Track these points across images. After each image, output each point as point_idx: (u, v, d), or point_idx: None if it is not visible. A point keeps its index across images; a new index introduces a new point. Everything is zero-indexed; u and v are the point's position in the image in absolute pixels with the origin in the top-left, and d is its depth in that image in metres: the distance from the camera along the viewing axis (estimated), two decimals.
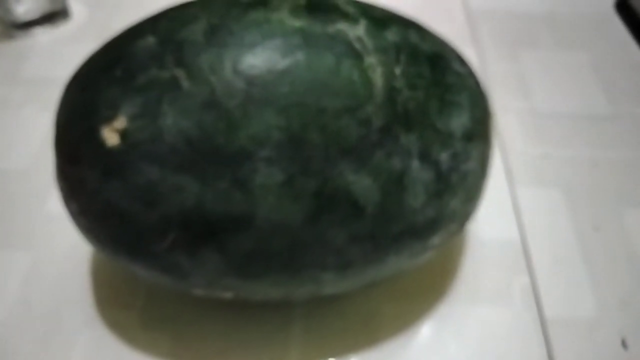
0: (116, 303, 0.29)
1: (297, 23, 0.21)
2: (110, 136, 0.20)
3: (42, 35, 0.45)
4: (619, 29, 0.46)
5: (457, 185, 0.22)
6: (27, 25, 0.45)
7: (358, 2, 0.23)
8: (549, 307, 0.29)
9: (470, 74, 0.24)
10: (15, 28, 0.45)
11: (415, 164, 0.21)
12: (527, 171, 0.36)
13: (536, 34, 0.46)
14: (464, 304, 0.29)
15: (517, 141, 0.38)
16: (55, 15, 0.46)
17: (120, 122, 0.20)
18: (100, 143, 0.20)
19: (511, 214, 0.33)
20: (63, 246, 0.32)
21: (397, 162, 0.20)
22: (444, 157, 0.21)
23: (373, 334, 0.28)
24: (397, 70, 0.21)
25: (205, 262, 0.21)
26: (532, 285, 0.30)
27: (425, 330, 0.28)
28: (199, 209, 0.20)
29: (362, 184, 0.20)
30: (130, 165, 0.20)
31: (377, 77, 0.20)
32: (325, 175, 0.20)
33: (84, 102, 0.21)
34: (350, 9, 0.22)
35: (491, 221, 0.33)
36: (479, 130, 0.23)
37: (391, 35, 0.21)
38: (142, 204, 0.20)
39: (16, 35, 0.45)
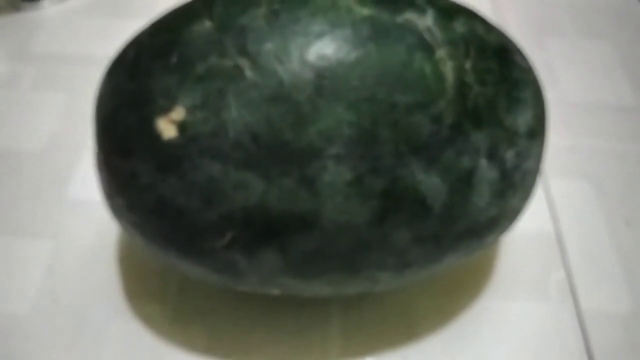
0: (147, 295, 0.28)
1: (365, 11, 0.19)
2: (167, 128, 0.18)
3: (51, 7, 0.43)
4: None
5: (519, 184, 0.22)
6: None
7: None
8: (585, 301, 0.29)
9: (530, 69, 0.23)
10: (23, 0, 0.42)
11: (483, 162, 0.20)
12: (557, 163, 0.35)
13: (560, 21, 0.45)
14: (501, 299, 0.29)
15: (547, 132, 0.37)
16: None
17: (178, 114, 0.18)
18: (155, 135, 0.19)
19: (544, 207, 0.33)
20: (87, 234, 0.30)
21: (466, 160, 0.20)
22: (509, 155, 0.21)
23: (411, 329, 0.28)
24: (467, 65, 0.20)
25: (262, 262, 0.20)
26: (568, 280, 0.30)
27: (463, 326, 0.28)
28: (263, 207, 0.19)
29: (431, 183, 0.19)
30: (188, 159, 0.18)
31: (448, 72, 0.19)
32: (394, 174, 0.19)
33: (135, 90, 0.19)
34: None
35: (526, 213, 0.33)
36: (540, 126, 0.22)
37: (459, 26, 0.20)
38: (201, 201, 0.19)
39: (23, 8, 0.42)
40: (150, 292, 0.28)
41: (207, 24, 0.19)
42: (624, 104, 0.39)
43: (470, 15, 0.22)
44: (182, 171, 0.19)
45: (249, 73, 0.18)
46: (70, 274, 0.29)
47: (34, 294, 0.28)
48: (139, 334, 0.27)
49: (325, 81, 0.18)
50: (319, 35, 0.19)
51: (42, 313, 0.27)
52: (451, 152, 0.19)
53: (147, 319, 0.27)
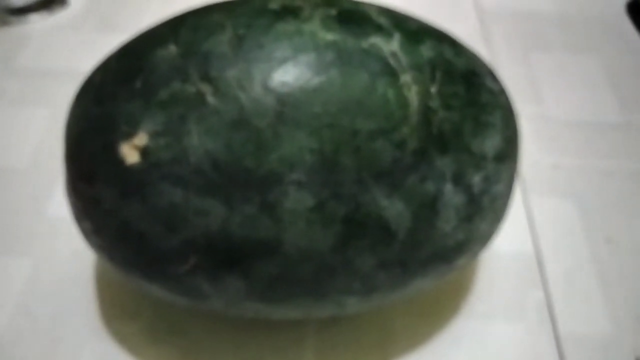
0: (122, 314, 0.28)
1: (330, 36, 0.19)
2: (130, 153, 0.19)
3: (38, 22, 0.43)
4: (631, 31, 0.46)
5: (487, 208, 0.22)
6: (22, 11, 0.43)
7: (389, 11, 0.22)
8: (563, 322, 0.29)
9: (502, 91, 0.23)
10: (10, 14, 0.42)
11: (448, 187, 0.20)
12: (539, 181, 0.35)
13: (547, 35, 0.45)
14: (478, 319, 0.29)
15: (529, 149, 0.37)
16: (52, 1, 0.43)
17: (141, 139, 0.19)
18: (118, 160, 0.19)
19: (525, 225, 0.33)
20: (65, 252, 0.30)
21: (430, 186, 0.20)
22: (476, 179, 0.21)
23: (386, 350, 0.27)
24: (433, 89, 0.20)
25: (227, 287, 0.20)
26: (547, 300, 0.30)
27: (439, 347, 0.28)
28: (224, 233, 0.19)
29: (394, 209, 0.19)
30: (150, 185, 0.18)
31: (413, 97, 0.19)
32: (356, 200, 0.19)
33: (99, 115, 0.19)
34: (383, 20, 0.21)
35: (505, 232, 0.32)
36: (509, 150, 0.22)
37: (426, 50, 0.20)
38: (163, 227, 0.19)
39: (10, 22, 0.43)
40: (126, 312, 0.28)
41: (172, 49, 0.19)
42: (610, 120, 0.39)
43: (439, 38, 0.22)
44: (145, 196, 0.19)
45: (210, 99, 0.18)
46: (46, 292, 0.29)
47: (9, 312, 0.28)
48: (114, 354, 0.27)
49: (287, 107, 0.18)
50: (282, 61, 0.19)
51: (18, 331, 0.27)
52: (415, 178, 0.19)
53: (123, 339, 0.27)
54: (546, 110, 0.39)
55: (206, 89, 0.18)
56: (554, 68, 0.43)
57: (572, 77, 0.42)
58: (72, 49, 0.42)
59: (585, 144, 0.37)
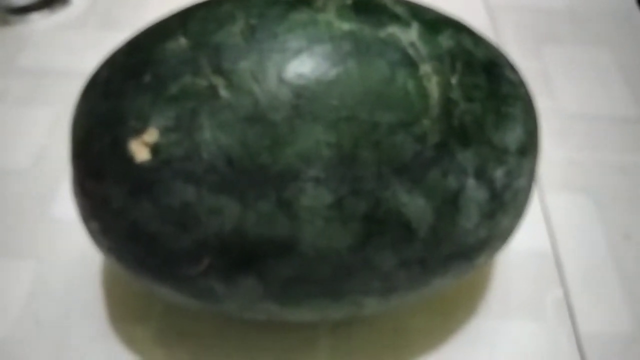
0: (130, 316, 0.27)
1: (346, 26, 0.19)
2: (140, 150, 0.18)
3: (40, 21, 0.43)
4: None
5: (509, 204, 0.21)
6: (24, 10, 0.42)
7: (406, 1, 0.21)
8: (583, 321, 0.28)
9: (521, 83, 0.22)
10: (11, 13, 0.42)
11: (470, 182, 0.19)
12: (554, 177, 0.34)
13: (558, 29, 0.44)
14: (495, 319, 0.28)
15: (543, 144, 0.36)
16: (53, 0, 0.43)
17: (151, 135, 0.18)
18: (127, 158, 0.18)
19: (541, 222, 0.32)
20: (71, 253, 0.30)
21: (452, 181, 0.19)
22: (499, 174, 0.20)
23: (402, 351, 0.27)
24: (453, 80, 0.19)
25: (241, 288, 0.19)
26: (566, 299, 0.29)
27: (456, 347, 0.27)
28: (239, 233, 0.18)
29: (415, 205, 0.18)
30: (161, 183, 0.18)
31: (433, 88, 0.19)
32: (376, 197, 0.18)
33: (107, 111, 0.19)
34: (400, 10, 0.20)
35: (521, 230, 0.32)
36: (531, 143, 0.21)
37: (445, 40, 0.20)
38: (175, 227, 0.18)
39: (12, 21, 0.42)
40: (134, 314, 0.27)
41: (182, 42, 0.19)
42: (624, 114, 0.38)
43: (458, 28, 0.21)
44: (155, 195, 0.18)
45: (223, 92, 0.18)
46: (52, 295, 0.28)
47: (16, 315, 0.27)
48: (122, 356, 0.26)
49: (303, 100, 0.17)
50: (297, 52, 0.18)
51: (25, 334, 0.27)
52: (436, 173, 0.18)
53: (131, 341, 0.27)
54: (559, 104, 0.39)
55: (218, 81, 0.18)
56: (565, 62, 0.42)
57: (584, 71, 0.41)
58: (74, 48, 0.41)
59: (600, 139, 0.36)
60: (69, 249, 0.30)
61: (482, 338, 0.27)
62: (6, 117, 0.36)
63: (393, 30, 0.19)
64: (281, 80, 0.18)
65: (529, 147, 0.21)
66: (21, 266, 0.29)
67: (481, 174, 0.19)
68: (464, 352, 0.27)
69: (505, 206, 0.21)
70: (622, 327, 0.28)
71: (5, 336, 0.26)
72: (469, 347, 0.27)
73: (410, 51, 0.19)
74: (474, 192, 0.19)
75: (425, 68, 0.19)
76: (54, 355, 0.26)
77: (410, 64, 0.19)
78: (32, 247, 0.30)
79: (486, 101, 0.19)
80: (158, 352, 0.26)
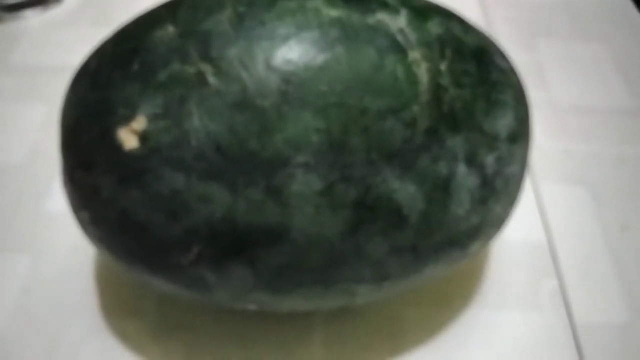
0: (125, 310, 0.27)
1: (334, 12, 0.19)
2: (128, 139, 0.18)
3: (33, 19, 0.43)
4: (636, 17, 0.45)
5: (501, 191, 0.21)
6: (17, 7, 0.42)
7: None
8: (579, 311, 0.28)
9: (512, 70, 0.22)
10: (4, 11, 0.42)
11: (461, 169, 0.19)
12: (549, 168, 0.34)
13: (551, 22, 0.44)
14: (491, 309, 0.28)
15: (537, 136, 0.36)
16: None
17: (140, 123, 0.18)
18: (116, 146, 0.18)
19: (536, 213, 0.32)
20: (65, 247, 0.30)
21: (443, 167, 0.19)
22: (490, 160, 0.20)
23: (397, 341, 0.27)
24: (443, 67, 0.19)
25: (232, 277, 0.19)
26: (561, 289, 0.29)
27: (451, 337, 0.27)
28: (229, 220, 0.18)
29: (406, 191, 0.18)
30: (151, 171, 0.18)
31: (423, 74, 0.19)
32: (367, 183, 0.18)
33: (96, 100, 0.18)
34: None
35: (516, 221, 0.32)
36: (522, 130, 0.21)
37: (434, 27, 0.20)
38: (165, 215, 0.18)
39: (5, 19, 0.42)
40: (128, 308, 0.27)
41: (171, 30, 0.19)
42: (619, 106, 0.38)
43: (447, 16, 0.21)
44: (145, 183, 0.18)
45: (212, 80, 0.18)
46: (46, 289, 0.28)
47: (10, 309, 0.27)
48: (116, 350, 0.26)
49: (292, 87, 0.17)
50: (285, 39, 0.18)
51: (18, 329, 0.26)
52: (427, 159, 0.18)
53: (125, 335, 0.26)
54: (554, 96, 0.39)
55: (207, 69, 0.18)
56: (560, 55, 0.42)
57: (578, 64, 0.41)
58: (67, 45, 0.41)
59: (595, 130, 0.36)
60: (62, 243, 0.30)
61: (477, 328, 0.27)
62: (0, 113, 0.36)
63: (382, 17, 0.19)
64: (269, 67, 0.18)
65: (521, 134, 0.21)
66: (15, 261, 0.29)
67: (472, 160, 0.19)
68: (459, 343, 0.27)
69: (497, 193, 0.20)
70: (618, 317, 0.28)
71: None
72: (464, 338, 0.27)
73: (399, 38, 0.19)
74: (465, 178, 0.19)
75: (415, 55, 0.19)
76: (48, 350, 0.26)
77: (400, 50, 0.19)
78: (26, 241, 0.30)
79: (476, 88, 0.19)
80: (152, 345, 0.26)
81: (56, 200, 0.32)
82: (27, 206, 0.31)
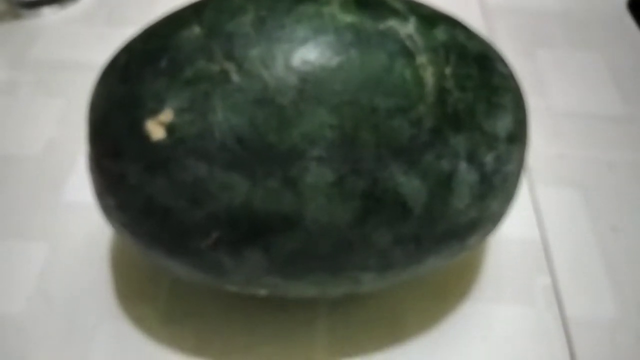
0: (138, 296, 0.29)
1: (348, 18, 0.20)
2: (156, 130, 0.19)
3: (50, 15, 0.44)
4: (632, 28, 0.47)
5: (499, 187, 0.22)
6: (35, 4, 0.43)
7: None
8: (571, 307, 0.29)
9: (512, 76, 0.23)
10: (22, 7, 0.43)
11: (462, 165, 0.21)
12: (545, 171, 0.36)
13: (551, 32, 0.46)
14: (487, 302, 0.29)
15: (535, 140, 0.38)
16: None
17: (167, 116, 0.19)
18: (144, 137, 0.19)
19: (531, 213, 0.33)
20: (80, 236, 0.31)
21: (445, 163, 0.20)
22: (489, 159, 0.21)
23: (397, 330, 0.28)
24: (447, 71, 0.20)
25: (247, 261, 0.20)
26: (553, 285, 0.30)
27: (449, 328, 0.28)
28: (247, 208, 0.19)
29: (411, 185, 0.20)
30: (175, 160, 0.19)
31: (429, 77, 0.20)
32: (375, 176, 0.19)
33: (125, 94, 0.20)
34: (398, 5, 0.21)
35: (512, 220, 0.33)
36: (520, 132, 0.23)
37: (440, 34, 0.21)
38: (187, 201, 0.19)
39: (23, 15, 0.43)
40: (141, 294, 0.29)
41: (197, 30, 0.20)
42: (613, 113, 0.40)
43: (452, 23, 0.22)
44: (170, 172, 0.19)
45: (235, 77, 0.19)
46: (63, 276, 0.29)
47: (27, 295, 0.28)
48: (129, 335, 0.27)
49: (308, 85, 0.19)
50: (303, 41, 0.19)
51: (35, 314, 0.28)
52: (431, 155, 0.20)
53: (138, 320, 0.28)
54: (551, 103, 0.40)
55: (230, 67, 0.19)
56: (557, 63, 0.43)
57: (575, 72, 0.43)
58: (83, 42, 0.42)
59: (589, 136, 0.38)
60: (79, 232, 0.31)
61: (474, 320, 0.28)
62: (19, 107, 0.38)
63: (392, 23, 0.21)
64: (288, 67, 0.19)
65: (518, 135, 0.23)
66: (33, 247, 0.30)
67: (472, 158, 0.21)
68: (456, 333, 0.28)
69: (494, 189, 0.22)
70: (607, 312, 0.29)
71: (18, 312, 0.28)
72: (461, 329, 0.28)
73: (408, 43, 0.20)
74: (466, 174, 0.21)
75: (421, 59, 0.20)
76: (64, 332, 0.27)
77: (408, 54, 0.20)
78: (43, 230, 0.31)
79: (478, 91, 0.21)
80: (164, 330, 0.27)
81: (72, 190, 0.33)
82: (44, 196, 0.33)
